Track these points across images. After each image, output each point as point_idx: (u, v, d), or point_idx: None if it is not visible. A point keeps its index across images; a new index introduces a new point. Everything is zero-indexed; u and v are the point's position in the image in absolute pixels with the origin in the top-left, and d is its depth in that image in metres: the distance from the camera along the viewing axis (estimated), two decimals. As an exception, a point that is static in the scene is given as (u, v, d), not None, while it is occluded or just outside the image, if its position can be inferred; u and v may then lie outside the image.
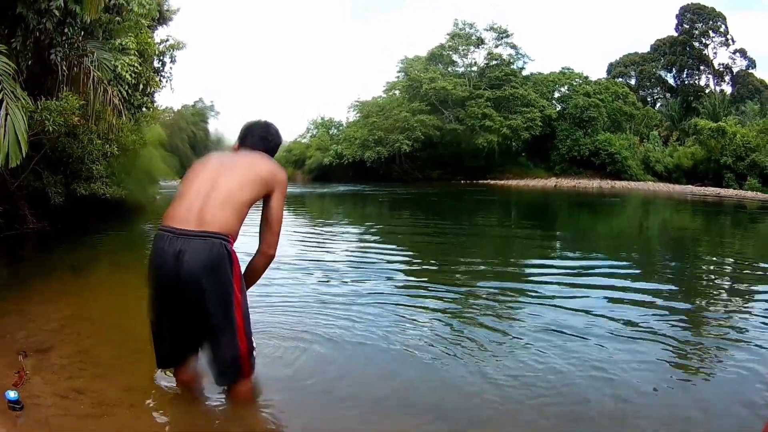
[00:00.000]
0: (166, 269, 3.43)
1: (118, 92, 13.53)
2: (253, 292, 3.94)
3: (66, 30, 10.51)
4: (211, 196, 3.51)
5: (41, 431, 3.63)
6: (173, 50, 21.26)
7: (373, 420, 4.06)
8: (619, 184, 49.78)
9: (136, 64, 15.12)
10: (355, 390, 4.53)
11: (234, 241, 3.58)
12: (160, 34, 21.55)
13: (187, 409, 4.05)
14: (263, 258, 3.84)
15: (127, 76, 14.42)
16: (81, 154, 12.52)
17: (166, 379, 4.38)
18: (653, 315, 6.91)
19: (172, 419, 3.93)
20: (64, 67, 11.07)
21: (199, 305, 3.44)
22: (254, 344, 3.77)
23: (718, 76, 71.75)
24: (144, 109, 18.61)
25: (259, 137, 4.01)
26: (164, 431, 3.79)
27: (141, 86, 17.07)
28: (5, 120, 8.02)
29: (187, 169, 3.87)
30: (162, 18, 20.64)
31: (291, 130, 72.75)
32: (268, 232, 3.78)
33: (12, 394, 3.72)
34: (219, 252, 3.43)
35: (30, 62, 10.17)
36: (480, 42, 59.96)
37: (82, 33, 11.58)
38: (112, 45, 13.73)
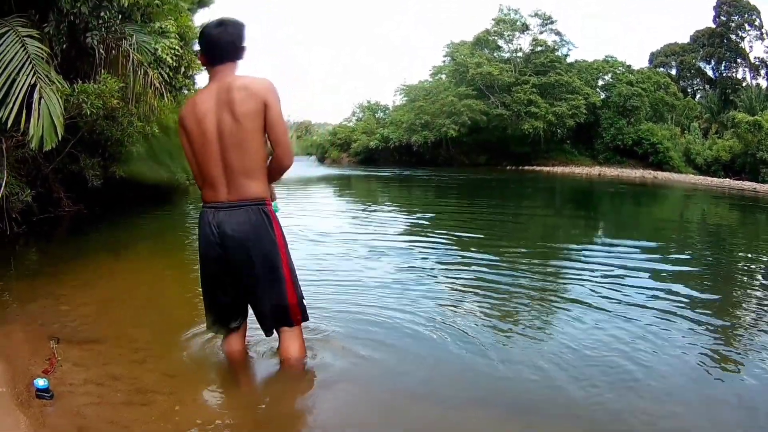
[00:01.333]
0: (212, 242, 3.74)
1: (159, 75, 13.53)
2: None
3: (102, 14, 10.49)
4: (232, 162, 3.65)
5: (72, 421, 3.49)
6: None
7: (443, 414, 3.88)
8: (662, 175, 48.88)
9: (177, 47, 15.15)
10: (416, 381, 4.38)
11: (268, 195, 3.83)
12: (201, 17, 21.53)
13: (231, 396, 4.03)
14: (281, 167, 3.88)
15: (168, 58, 14.44)
16: (120, 137, 12.57)
17: (208, 365, 4.41)
18: (689, 304, 6.80)
19: (215, 407, 3.89)
20: (101, 51, 11.07)
21: (247, 269, 3.74)
22: (303, 293, 3.99)
23: (754, 69, 70.13)
24: (186, 91, 18.63)
25: (230, 44, 3.79)
26: (207, 420, 3.62)
27: (182, 69, 17.10)
28: (39, 104, 8.07)
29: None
30: (202, 1, 20.68)
31: (336, 113, 73.55)
32: (279, 145, 3.77)
33: (41, 382, 3.66)
34: (258, 218, 3.72)
35: (65, 46, 10.20)
36: (525, 28, 59.13)
37: (120, 17, 11.57)
38: (151, 28, 13.75)
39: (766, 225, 19.23)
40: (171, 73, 15.79)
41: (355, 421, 3.80)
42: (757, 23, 68.81)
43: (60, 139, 8.43)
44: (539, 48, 58.60)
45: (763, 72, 70.14)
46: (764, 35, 69.24)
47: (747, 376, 4.53)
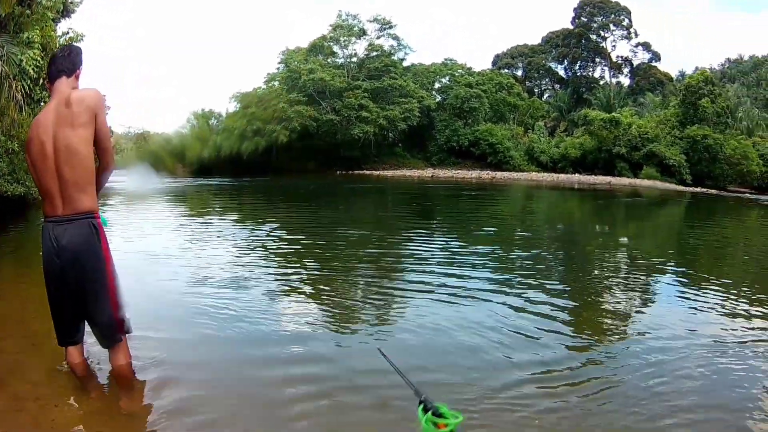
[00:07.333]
0: (52, 254, 3.96)
1: (22, 87, 13.03)
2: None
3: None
4: (64, 178, 3.92)
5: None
6: (73, 43, 20.35)
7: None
8: (500, 175, 51.00)
9: (38, 58, 14.61)
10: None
11: (97, 209, 4.13)
12: (62, 26, 20.75)
13: (86, 402, 4.40)
14: (108, 172, 4.32)
15: (30, 70, 13.92)
16: (-18, 151, 12.07)
17: (65, 372, 4.64)
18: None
19: (73, 409, 4.33)
20: (-29, 62, 10.60)
21: (79, 281, 3.99)
22: (123, 304, 4.23)
23: (616, 68, 74.89)
24: (42, 104, 17.95)
25: (60, 59, 4.17)
26: (68, 420, 4.14)
27: (41, 81, 16.50)
28: None
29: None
30: (65, 10, 19.89)
31: (173, 123, 72.70)
32: (105, 152, 4.20)
33: None
34: (87, 230, 3.99)
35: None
36: (362, 33, 60.39)
37: (-4, 27, 11.12)
38: (20, 39, 13.23)
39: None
40: (31, 85, 15.18)
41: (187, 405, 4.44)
42: (625, 23, 73.73)
43: None
44: (374, 53, 59.99)
45: (626, 70, 76.04)
46: (632, 34, 74.46)
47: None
